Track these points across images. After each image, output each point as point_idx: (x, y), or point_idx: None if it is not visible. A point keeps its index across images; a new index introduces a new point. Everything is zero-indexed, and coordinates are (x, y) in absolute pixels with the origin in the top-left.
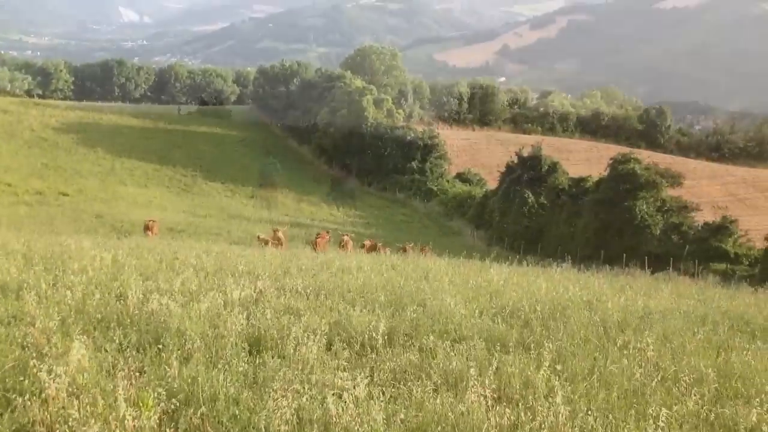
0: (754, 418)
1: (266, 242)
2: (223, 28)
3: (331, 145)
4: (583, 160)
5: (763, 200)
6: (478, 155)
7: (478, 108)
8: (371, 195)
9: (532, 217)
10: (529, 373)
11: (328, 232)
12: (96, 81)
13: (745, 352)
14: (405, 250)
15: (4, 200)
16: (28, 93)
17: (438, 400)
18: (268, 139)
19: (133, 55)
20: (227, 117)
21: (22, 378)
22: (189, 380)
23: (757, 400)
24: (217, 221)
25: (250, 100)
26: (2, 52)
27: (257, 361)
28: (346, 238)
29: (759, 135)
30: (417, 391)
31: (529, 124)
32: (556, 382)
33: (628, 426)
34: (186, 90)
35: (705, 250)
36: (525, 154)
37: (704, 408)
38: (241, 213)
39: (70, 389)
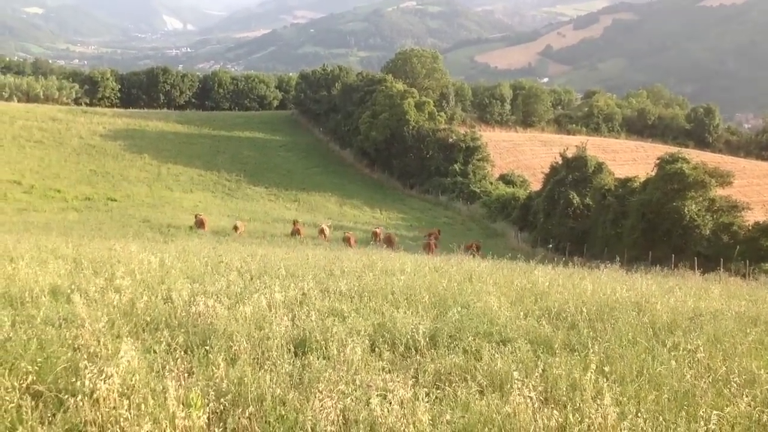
0: None
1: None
2: (264, 35)
3: (373, 149)
4: (630, 161)
5: None
6: (521, 157)
7: (521, 109)
8: (414, 198)
9: (577, 219)
10: (576, 375)
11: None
12: (142, 88)
13: None
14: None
15: (54, 206)
16: (76, 101)
17: (484, 402)
18: (311, 143)
19: (178, 62)
20: (270, 122)
21: (74, 379)
22: (236, 381)
23: None
24: (261, 225)
25: (293, 105)
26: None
27: (302, 363)
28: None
29: None
30: (462, 393)
31: (574, 125)
32: (604, 384)
33: (678, 428)
34: (229, 96)
35: (756, 250)
36: (569, 154)
37: (756, 410)
38: (284, 217)
39: (121, 390)
